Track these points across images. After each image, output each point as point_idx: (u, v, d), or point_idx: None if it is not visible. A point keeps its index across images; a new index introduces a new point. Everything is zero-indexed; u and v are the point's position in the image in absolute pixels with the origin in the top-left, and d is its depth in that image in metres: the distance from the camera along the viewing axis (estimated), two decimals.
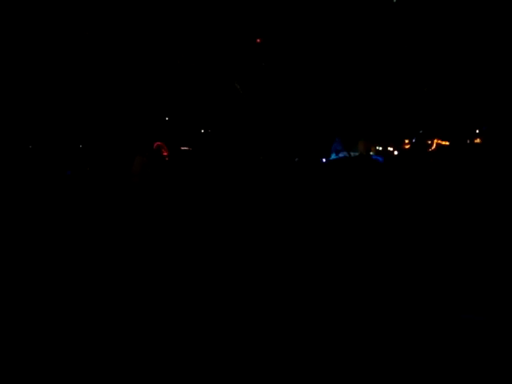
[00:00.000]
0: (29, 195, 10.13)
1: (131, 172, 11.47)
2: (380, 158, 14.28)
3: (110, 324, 4.16)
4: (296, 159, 14.89)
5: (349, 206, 9.90)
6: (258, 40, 14.42)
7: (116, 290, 5.19)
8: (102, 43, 14.42)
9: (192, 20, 14.20)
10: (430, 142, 14.75)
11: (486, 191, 9.69)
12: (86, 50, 14.11)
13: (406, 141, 15.46)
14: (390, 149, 15.45)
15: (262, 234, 8.09)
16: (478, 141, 13.67)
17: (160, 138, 14.98)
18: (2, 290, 5.08)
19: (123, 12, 14.28)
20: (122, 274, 5.78)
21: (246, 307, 4.55)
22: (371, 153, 15.45)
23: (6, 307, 4.53)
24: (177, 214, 9.50)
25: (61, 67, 14.34)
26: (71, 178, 11.86)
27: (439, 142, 14.66)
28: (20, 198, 9.81)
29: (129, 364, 3.39)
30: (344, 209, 9.71)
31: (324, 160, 14.87)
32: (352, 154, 15.73)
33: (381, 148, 15.40)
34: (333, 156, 16.06)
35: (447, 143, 14.81)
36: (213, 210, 9.73)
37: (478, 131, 13.81)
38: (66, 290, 5.11)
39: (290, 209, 10.02)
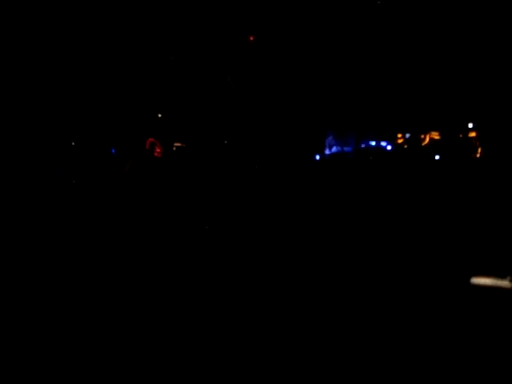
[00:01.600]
0: (24, 196, 10.05)
1: (123, 172, 11.43)
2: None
3: (108, 323, 4.15)
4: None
5: (343, 204, 9.94)
6: (251, 37, 14.33)
7: (111, 288, 5.22)
8: (91, 39, 14.24)
9: (184, 14, 14.07)
10: (423, 136, 14.78)
11: (480, 187, 9.76)
12: (75, 47, 13.94)
13: (399, 135, 15.46)
14: (384, 143, 15.46)
15: (260, 232, 8.12)
16: (471, 135, 13.72)
17: (153, 134, 14.89)
18: (1, 290, 5.06)
19: (109, 5, 14.11)
20: (117, 273, 5.79)
21: (246, 307, 4.56)
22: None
23: (5, 307, 4.52)
24: (170, 212, 9.48)
25: (50, 64, 14.16)
26: (66, 179, 11.79)
27: (433, 136, 14.70)
28: (16, 199, 9.73)
29: (129, 364, 3.38)
30: (339, 207, 9.75)
31: (318, 156, 14.87)
32: (345, 148, 15.75)
33: (374, 143, 15.41)
34: (326, 151, 16.07)
35: (439, 137, 14.84)
36: (208, 208, 9.72)
37: (471, 126, 13.86)
38: (62, 288, 5.11)
39: (286, 207, 10.04)
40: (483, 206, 8.49)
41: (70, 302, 4.72)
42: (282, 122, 15.75)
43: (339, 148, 15.60)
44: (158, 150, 14.79)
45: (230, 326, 4.13)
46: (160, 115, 16.05)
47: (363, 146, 15.64)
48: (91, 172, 12.25)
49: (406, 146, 14.98)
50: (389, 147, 15.23)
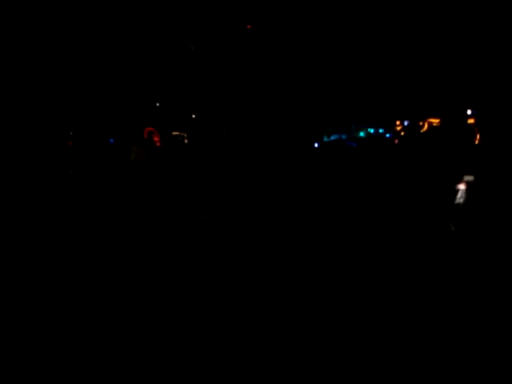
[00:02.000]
0: (24, 187, 10.04)
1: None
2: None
3: (109, 321, 4.17)
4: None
5: (341, 188, 9.96)
6: (249, 26, 14.27)
7: (111, 275, 5.24)
8: (89, 33, 14.17)
9: (182, 6, 14.00)
10: (421, 123, 14.78)
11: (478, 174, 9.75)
12: (73, 40, 13.89)
13: (398, 122, 15.47)
14: (382, 130, 15.48)
15: (258, 220, 8.12)
16: (470, 121, 13.70)
17: (151, 123, 14.87)
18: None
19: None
20: (117, 261, 5.81)
21: (245, 304, 4.57)
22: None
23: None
24: (169, 201, 9.48)
25: (49, 55, 14.12)
26: (64, 170, 11.78)
27: (431, 121, 14.68)
28: (16, 191, 9.73)
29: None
30: (336, 192, 9.77)
31: (316, 144, 14.88)
32: (343, 136, 15.77)
33: (372, 130, 15.42)
34: (325, 139, 16.09)
35: (438, 124, 14.83)
36: (206, 197, 9.72)
37: (469, 112, 13.84)
38: (67, 283, 5.13)
39: (284, 194, 10.06)
40: (481, 190, 8.50)
41: (70, 292, 4.74)
42: (280, 111, 15.74)
43: (337, 135, 15.63)
44: (156, 139, 14.78)
45: (229, 316, 4.14)
46: (158, 104, 16.04)
47: (361, 133, 15.66)
48: (90, 162, 12.23)
49: (403, 133, 14.99)
50: (387, 134, 15.25)
